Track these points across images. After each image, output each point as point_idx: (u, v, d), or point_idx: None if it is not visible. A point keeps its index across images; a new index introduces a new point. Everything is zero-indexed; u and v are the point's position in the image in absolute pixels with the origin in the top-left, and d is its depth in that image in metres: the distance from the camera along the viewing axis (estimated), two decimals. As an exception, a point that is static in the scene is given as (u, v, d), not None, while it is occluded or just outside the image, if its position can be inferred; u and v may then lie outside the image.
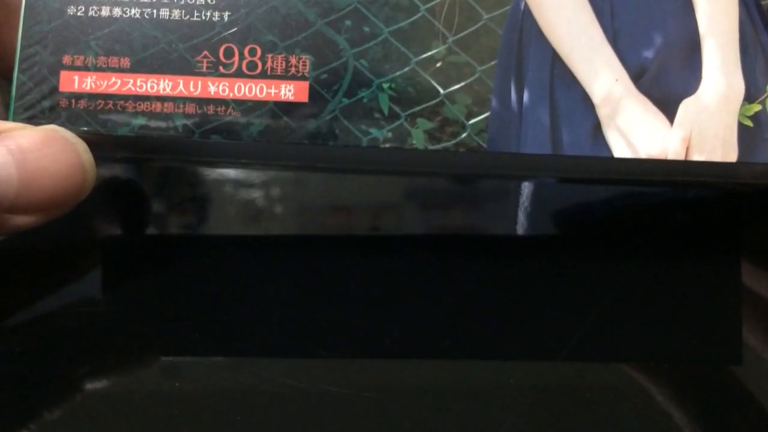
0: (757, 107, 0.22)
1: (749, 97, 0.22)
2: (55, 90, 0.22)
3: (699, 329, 0.23)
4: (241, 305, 0.24)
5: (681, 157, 0.22)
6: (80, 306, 0.24)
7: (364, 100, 0.22)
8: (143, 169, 0.31)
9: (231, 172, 0.30)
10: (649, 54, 0.22)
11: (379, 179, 0.29)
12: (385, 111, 0.22)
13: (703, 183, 0.24)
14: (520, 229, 0.29)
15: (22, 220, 0.21)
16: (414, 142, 0.22)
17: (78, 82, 0.22)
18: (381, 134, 0.22)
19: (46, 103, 0.22)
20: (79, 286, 0.26)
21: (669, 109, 0.22)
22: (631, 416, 0.20)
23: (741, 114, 0.22)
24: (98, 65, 0.22)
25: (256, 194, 0.30)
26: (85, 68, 0.22)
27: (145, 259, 0.27)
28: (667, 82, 0.22)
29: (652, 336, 0.23)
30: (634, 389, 0.21)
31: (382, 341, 0.22)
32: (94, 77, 0.22)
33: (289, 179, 0.31)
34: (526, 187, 0.30)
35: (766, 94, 0.22)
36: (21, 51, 0.22)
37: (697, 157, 0.22)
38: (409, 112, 0.22)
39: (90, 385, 0.21)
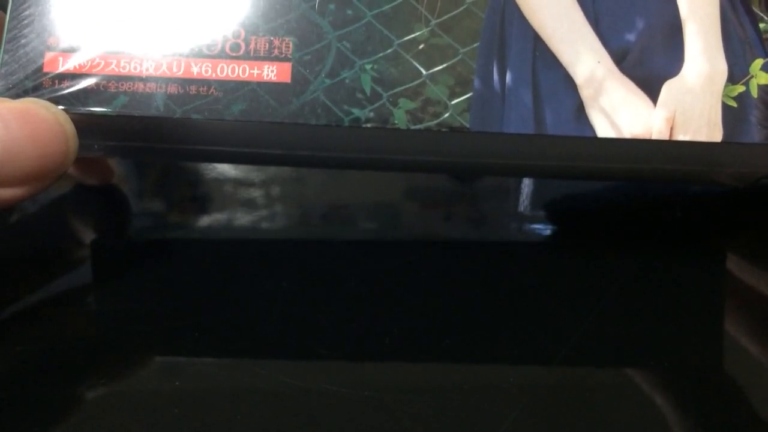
0: (740, 88, 0.22)
1: (732, 78, 0.22)
2: (39, 70, 0.22)
3: (699, 329, 0.23)
4: (241, 304, 0.24)
5: (665, 137, 0.21)
6: (79, 306, 0.24)
7: (347, 81, 0.22)
8: (142, 168, 0.31)
9: (230, 171, 0.31)
10: (631, 37, 0.22)
11: (379, 178, 0.29)
12: (367, 91, 0.22)
13: (688, 172, 0.23)
14: (520, 228, 0.29)
15: (5, 193, 0.21)
16: (396, 121, 0.22)
17: (62, 62, 0.22)
18: (363, 114, 0.22)
19: (29, 83, 0.22)
20: (78, 286, 0.25)
21: (652, 90, 0.22)
22: (631, 416, 0.20)
23: (725, 95, 0.22)
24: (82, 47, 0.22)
25: (256, 193, 0.30)
26: (70, 49, 0.22)
27: (145, 258, 0.27)
28: (649, 63, 0.22)
29: (652, 336, 0.22)
30: (634, 389, 0.21)
31: (383, 340, 0.22)
32: (78, 58, 0.22)
33: (289, 178, 0.30)
34: (526, 187, 0.30)
35: (749, 76, 0.22)
36: (7, 32, 0.22)
37: (681, 137, 0.21)
38: (392, 92, 0.22)
39: (89, 385, 0.21)
